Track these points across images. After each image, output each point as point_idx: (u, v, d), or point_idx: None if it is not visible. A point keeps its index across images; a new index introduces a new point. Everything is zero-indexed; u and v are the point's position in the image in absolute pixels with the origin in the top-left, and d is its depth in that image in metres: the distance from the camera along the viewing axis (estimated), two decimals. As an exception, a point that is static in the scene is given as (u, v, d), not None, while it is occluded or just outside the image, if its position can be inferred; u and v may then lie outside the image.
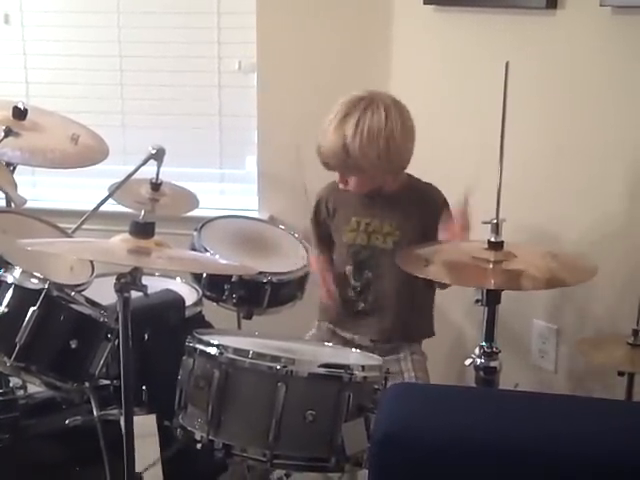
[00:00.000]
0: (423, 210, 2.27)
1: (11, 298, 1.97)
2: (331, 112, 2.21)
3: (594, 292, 2.39)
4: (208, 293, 2.48)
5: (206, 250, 2.48)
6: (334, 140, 2.17)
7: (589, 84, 2.40)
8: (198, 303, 2.41)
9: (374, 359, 2.03)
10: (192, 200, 2.75)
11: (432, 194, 2.30)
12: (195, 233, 2.56)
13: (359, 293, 2.32)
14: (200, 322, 2.37)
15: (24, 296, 1.97)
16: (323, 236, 2.42)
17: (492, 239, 1.97)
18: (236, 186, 3.22)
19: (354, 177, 2.23)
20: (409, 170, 2.31)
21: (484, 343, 1.98)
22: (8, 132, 2.26)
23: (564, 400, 1.79)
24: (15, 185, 2.39)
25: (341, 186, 2.27)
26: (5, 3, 3.18)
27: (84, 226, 2.54)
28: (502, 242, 1.97)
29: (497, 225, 1.97)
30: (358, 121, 2.15)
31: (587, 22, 2.37)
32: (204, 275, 2.48)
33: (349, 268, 2.32)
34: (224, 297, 2.48)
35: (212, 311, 2.49)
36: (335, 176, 2.30)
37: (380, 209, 2.28)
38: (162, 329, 2.14)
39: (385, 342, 2.28)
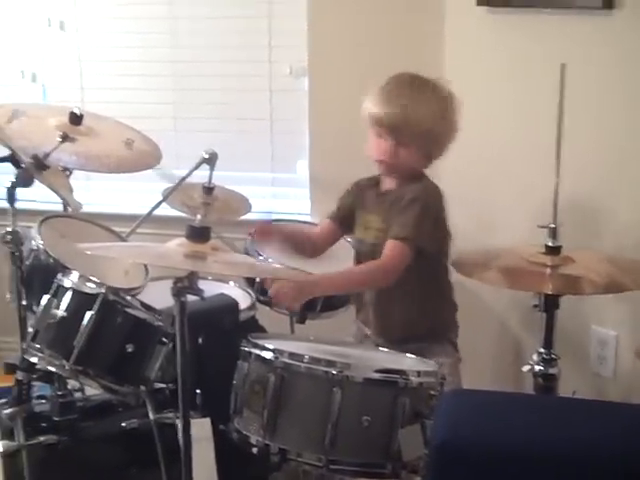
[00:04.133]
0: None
1: (69, 302, 2.00)
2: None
3: (654, 298, 2.34)
4: (261, 297, 2.49)
5: (259, 254, 2.49)
6: (389, 98, 2.18)
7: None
8: (252, 307, 2.41)
9: (430, 364, 2.01)
10: (244, 204, 2.75)
11: (415, 189, 2.22)
12: (248, 237, 2.57)
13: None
14: (254, 326, 2.37)
15: (82, 300, 1.99)
16: (340, 218, 2.40)
17: (549, 244, 1.94)
18: (288, 190, 3.22)
19: (402, 149, 2.19)
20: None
21: (542, 350, 1.95)
22: (65, 137, 2.29)
23: (623, 408, 1.76)
24: (72, 190, 2.41)
25: (375, 160, 2.23)
26: (61, 10, 3.23)
27: (138, 230, 2.56)
28: (560, 247, 1.95)
29: (554, 230, 1.94)
30: (416, 80, 2.23)
31: (644, 21, 2.33)
32: (257, 279, 2.48)
33: (355, 263, 2.33)
34: (277, 301, 2.48)
35: (265, 315, 2.49)
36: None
37: (378, 205, 2.28)
38: (216, 333, 2.15)
39: (400, 342, 2.22)
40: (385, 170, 2.28)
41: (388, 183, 2.31)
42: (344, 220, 2.40)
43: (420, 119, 2.17)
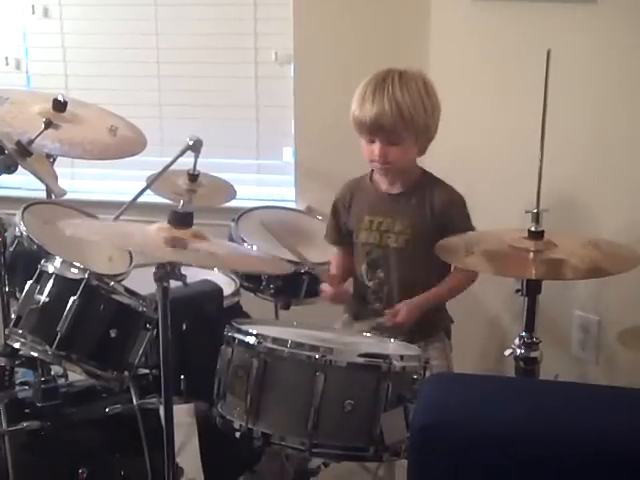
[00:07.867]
0: (434, 208, 2.23)
1: (52, 288, 1.99)
2: (361, 86, 2.22)
3: (636, 282, 2.35)
4: (245, 283, 2.50)
5: (243, 241, 2.49)
6: (381, 101, 2.16)
7: (631, 72, 2.37)
8: (236, 293, 2.42)
9: (413, 349, 2.02)
10: (229, 191, 2.75)
11: (444, 191, 2.26)
12: (232, 224, 2.57)
13: (374, 293, 2.31)
14: (238, 312, 2.38)
15: (65, 286, 1.99)
16: (342, 236, 2.39)
17: (532, 228, 1.95)
18: (273, 177, 3.22)
19: (396, 148, 2.19)
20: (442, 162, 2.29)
21: (524, 333, 1.96)
22: (48, 124, 2.27)
23: (605, 391, 1.77)
24: (55, 177, 2.40)
25: (377, 165, 2.23)
26: (44, -3, 3.22)
27: (122, 217, 2.55)
28: (542, 231, 1.95)
29: (537, 214, 1.95)
30: (400, 79, 2.18)
31: (628, 10, 2.34)
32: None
33: (364, 267, 2.32)
34: (261, 287, 2.49)
35: (249, 301, 2.50)
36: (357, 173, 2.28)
37: (393, 208, 2.27)
38: (200, 319, 2.15)
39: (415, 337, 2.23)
40: (388, 173, 2.26)
41: (391, 183, 2.29)
42: (346, 237, 2.38)
43: (412, 111, 2.16)
